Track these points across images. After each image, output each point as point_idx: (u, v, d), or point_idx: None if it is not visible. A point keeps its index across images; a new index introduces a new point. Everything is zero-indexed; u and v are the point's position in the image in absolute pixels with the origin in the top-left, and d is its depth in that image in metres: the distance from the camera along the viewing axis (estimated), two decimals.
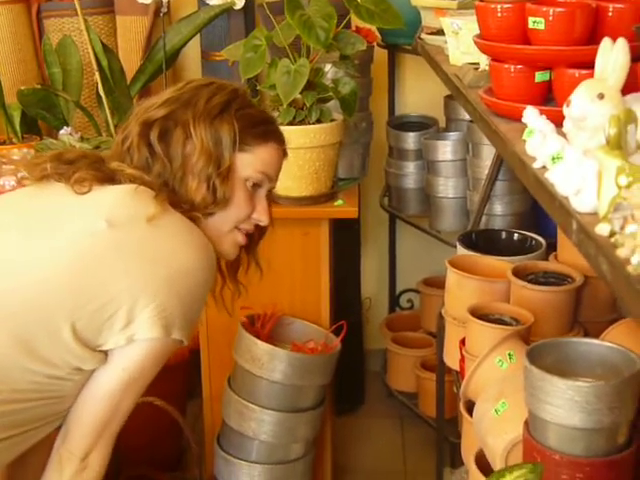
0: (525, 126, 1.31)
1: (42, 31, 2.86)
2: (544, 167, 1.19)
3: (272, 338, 2.45)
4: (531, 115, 1.28)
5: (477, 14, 1.52)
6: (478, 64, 1.82)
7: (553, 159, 1.14)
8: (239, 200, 1.55)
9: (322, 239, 2.47)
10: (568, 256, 2.17)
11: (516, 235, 2.37)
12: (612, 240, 0.91)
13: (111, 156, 1.56)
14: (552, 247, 2.29)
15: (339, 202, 2.47)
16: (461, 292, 2.19)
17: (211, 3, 2.72)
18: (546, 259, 2.27)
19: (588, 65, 1.36)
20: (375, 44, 2.75)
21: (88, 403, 1.46)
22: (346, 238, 2.92)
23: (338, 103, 2.39)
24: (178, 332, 1.42)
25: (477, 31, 1.90)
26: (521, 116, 1.37)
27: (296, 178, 2.41)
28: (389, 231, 3.17)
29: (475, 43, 1.54)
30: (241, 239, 1.59)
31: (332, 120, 2.39)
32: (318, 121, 2.37)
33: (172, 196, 1.49)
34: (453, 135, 2.67)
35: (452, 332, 2.23)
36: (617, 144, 0.95)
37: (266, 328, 2.46)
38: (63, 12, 2.76)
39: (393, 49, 2.89)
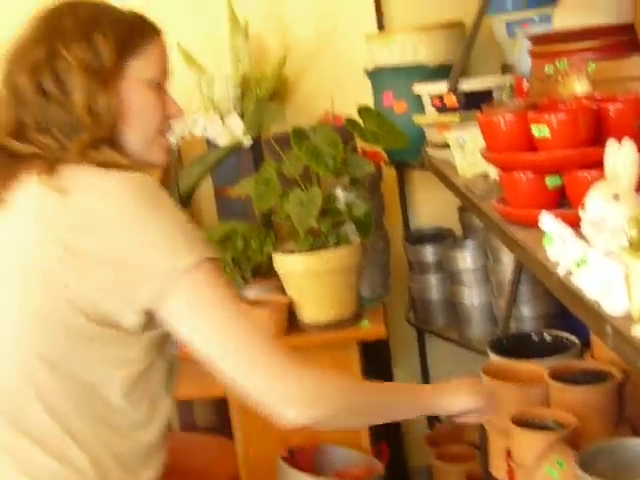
0: (543, 232, 1.32)
1: None
2: (569, 272, 1.19)
3: (314, 469, 2.41)
4: (548, 220, 1.29)
5: (481, 127, 1.55)
6: (487, 174, 1.85)
7: (577, 264, 1.14)
8: (149, 104, 1.47)
9: (353, 362, 2.46)
10: (604, 352, 2.15)
11: (547, 336, 2.36)
12: None
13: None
14: (586, 344, 2.26)
15: (365, 322, 2.47)
16: (499, 400, 2.16)
17: (219, 144, 2.79)
18: (581, 358, 2.24)
19: (598, 165, 1.39)
20: (383, 163, 2.79)
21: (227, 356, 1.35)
22: (376, 357, 2.90)
23: (349, 226, 2.43)
24: (197, 252, 1.34)
25: (482, 142, 1.94)
26: (537, 222, 1.38)
27: (320, 304, 2.42)
28: (418, 345, 3.15)
29: (482, 156, 1.57)
30: (165, 142, 1.53)
31: (350, 243, 2.41)
32: (336, 245, 2.39)
33: (75, 143, 1.39)
34: (471, 243, 2.68)
35: (496, 442, 2.18)
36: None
37: (307, 459, 2.42)
38: None
39: (401, 166, 2.93)
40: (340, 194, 2.49)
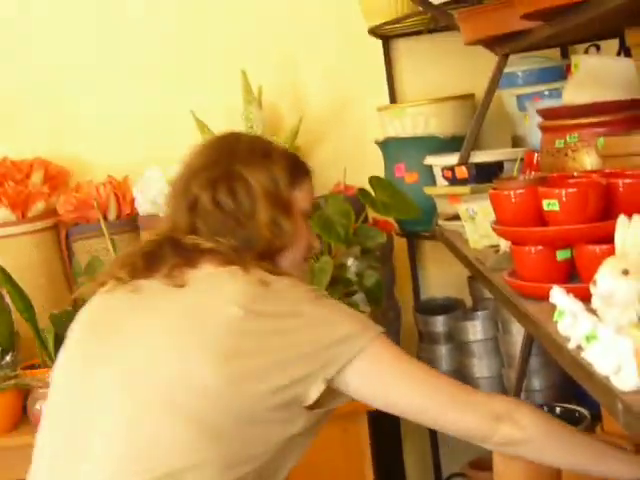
0: (553, 305, 1.33)
1: (71, 253, 2.95)
2: (579, 347, 1.20)
3: None
4: (558, 295, 1.30)
5: (492, 201, 1.56)
6: (498, 246, 1.86)
7: (587, 339, 1.14)
8: (305, 232, 1.64)
9: (362, 433, 2.45)
10: (615, 426, 2.13)
11: (558, 409, 2.34)
12: None
13: (175, 230, 1.57)
14: (596, 417, 2.25)
15: None
16: (509, 477, 2.14)
17: None
18: (592, 430, 2.22)
19: (607, 239, 1.40)
20: (394, 233, 2.81)
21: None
22: (385, 429, 2.87)
23: (359, 296, 2.44)
24: (363, 334, 1.47)
25: (492, 215, 1.96)
26: (547, 295, 1.38)
27: None
28: None
29: (493, 229, 1.58)
30: (306, 267, 1.71)
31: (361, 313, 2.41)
32: None
33: (252, 251, 1.53)
34: (481, 314, 2.68)
35: None
36: None
37: None
38: (90, 234, 2.86)
39: (411, 236, 2.95)
40: (351, 263, 2.51)
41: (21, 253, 2.85)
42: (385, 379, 1.46)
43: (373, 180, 2.41)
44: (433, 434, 3.15)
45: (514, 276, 1.55)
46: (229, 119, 3.04)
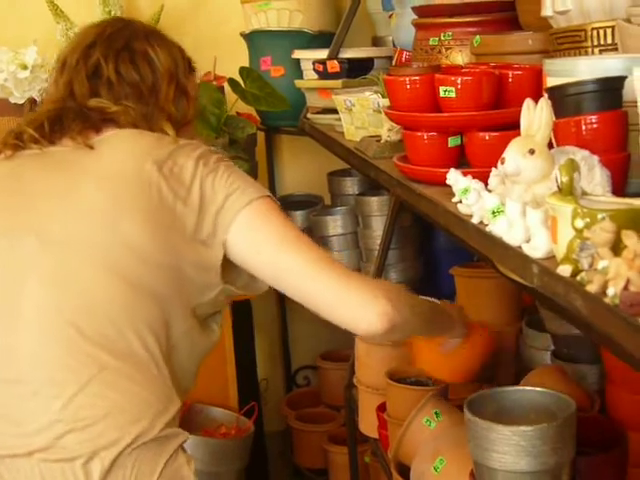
0: (446, 188, 1.39)
1: None
2: (481, 222, 1.27)
3: (184, 427, 2.41)
4: (457, 176, 1.36)
5: (386, 87, 1.60)
6: (378, 136, 1.90)
7: (493, 213, 1.21)
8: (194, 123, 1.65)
9: (225, 321, 2.47)
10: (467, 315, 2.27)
11: None
12: (578, 278, 0.98)
13: (82, 94, 1.50)
14: None
15: None
16: (371, 360, 2.24)
17: None
18: None
19: (497, 128, 1.47)
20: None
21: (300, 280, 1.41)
22: (238, 320, 2.92)
23: None
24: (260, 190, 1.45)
25: (369, 107, 2.00)
26: (439, 179, 1.45)
27: None
28: (279, 309, 3.20)
29: (386, 114, 1.62)
30: None
31: None
32: None
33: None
34: (341, 209, 2.74)
35: (366, 400, 2.26)
36: (569, 190, 1.02)
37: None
38: None
39: (273, 131, 2.96)
40: None
41: None
42: (269, 231, 1.41)
43: (243, 71, 2.39)
44: (284, 328, 3.23)
45: (405, 162, 1.60)
46: (85, 2, 2.92)
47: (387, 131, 1.83)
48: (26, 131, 1.46)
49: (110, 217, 1.37)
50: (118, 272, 1.35)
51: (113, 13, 2.82)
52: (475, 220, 1.27)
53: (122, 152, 1.44)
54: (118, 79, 1.49)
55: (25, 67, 2.64)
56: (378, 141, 1.87)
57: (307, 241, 1.42)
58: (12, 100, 2.71)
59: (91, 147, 1.43)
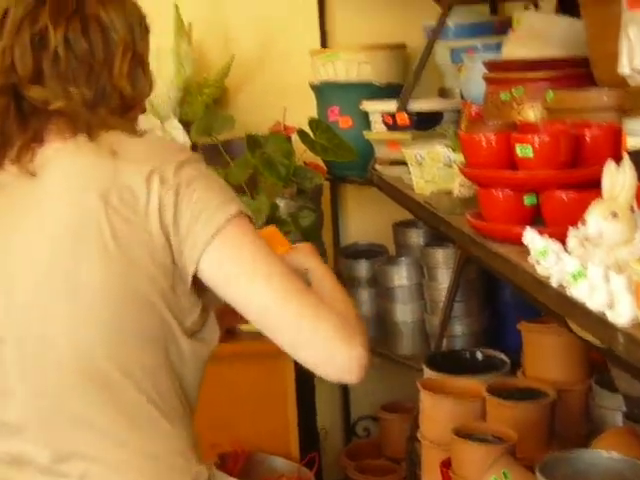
0: (522, 246, 1.38)
1: None
2: (561, 285, 1.25)
3: (245, 476, 2.41)
4: (534, 235, 1.34)
5: (462, 145, 1.60)
6: (449, 191, 1.90)
7: (574, 277, 1.19)
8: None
9: (287, 372, 2.48)
10: (535, 371, 2.24)
11: (479, 354, 2.43)
12: None
13: (15, 73, 1.31)
14: (516, 363, 2.35)
15: None
16: (437, 414, 2.21)
17: None
18: (513, 375, 2.32)
19: (574, 186, 1.46)
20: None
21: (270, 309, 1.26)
22: (301, 368, 2.91)
23: (294, 236, 2.45)
24: (230, 207, 1.28)
25: (440, 161, 2.00)
26: (513, 238, 1.44)
27: None
28: None
29: (461, 172, 1.62)
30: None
31: None
32: None
33: (107, 103, 1.34)
34: (405, 260, 2.73)
35: (429, 455, 2.23)
36: None
37: (238, 466, 2.42)
38: None
39: (339, 180, 2.97)
40: (282, 203, 2.51)
41: None
42: (239, 265, 1.27)
43: (313, 123, 2.41)
44: None
45: (478, 218, 1.60)
46: (157, 53, 2.97)
47: (459, 186, 1.83)
48: None
49: (67, 266, 1.26)
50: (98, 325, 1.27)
51: (185, 64, 2.88)
52: (554, 283, 1.26)
53: (62, 185, 1.28)
54: (66, 52, 1.31)
55: None
56: (449, 196, 1.86)
57: (278, 272, 1.27)
58: None
59: (33, 174, 1.29)
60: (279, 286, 1.26)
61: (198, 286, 1.31)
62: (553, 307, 1.24)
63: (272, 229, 1.59)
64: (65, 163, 1.29)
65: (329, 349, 1.24)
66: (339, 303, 1.34)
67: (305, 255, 1.49)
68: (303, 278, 1.37)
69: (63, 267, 1.26)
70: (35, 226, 1.28)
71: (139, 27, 1.38)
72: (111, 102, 1.34)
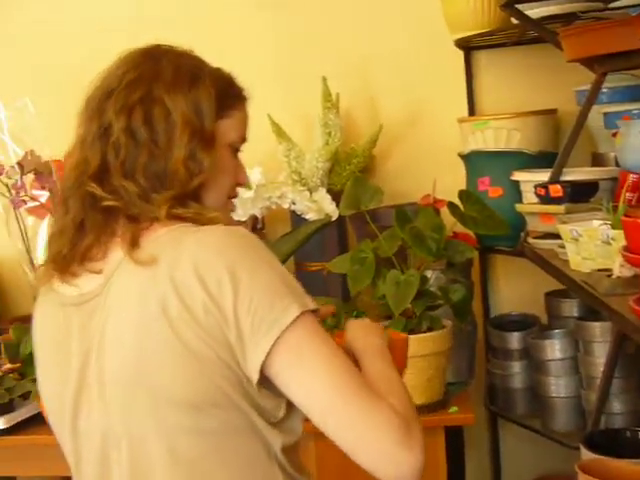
0: None
1: None
2: None
3: None
4: None
5: (626, 229, 1.54)
6: (609, 270, 1.83)
7: None
8: (229, 167, 1.45)
9: (439, 448, 2.42)
10: None
11: None
12: None
13: (85, 165, 1.38)
14: None
15: (454, 409, 2.44)
16: None
17: (307, 217, 2.80)
18: None
19: None
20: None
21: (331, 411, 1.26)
22: (450, 438, 2.85)
23: (443, 309, 2.41)
24: (291, 309, 1.26)
25: (598, 238, 1.93)
26: None
27: (410, 387, 2.38)
28: (491, 432, 3.10)
29: (624, 257, 1.55)
30: (232, 207, 1.52)
31: (442, 327, 2.39)
32: (429, 329, 2.37)
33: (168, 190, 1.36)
34: (560, 333, 2.65)
35: None
36: None
37: None
38: None
39: (488, 251, 2.92)
40: (430, 276, 2.48)
41: None
42: (299, 375, 1.26)
43: (462, 194, 2.38)
44: (495, 451, 3.13)
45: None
46: (305, 124, 3.03)
47: (619, 266, 1.76)
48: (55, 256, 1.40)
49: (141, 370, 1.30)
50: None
51: (333, 134, 2.91)
52: None
53: (123, 296, 1.33)
54: (127, 141, 1.36)
55: (250, 187, 2.74)
56: (609, 276, 1.79)
57: (339, 373, 1.25)
58: (235, 217, 2.82)
59: (99, 272, 1.35)
60: (338, 390, 1.25)
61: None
62: None
63: (404, 338, 1.58)
64: (124, 274, 1.32)
65: (390, 455, 1.22)
66: (397, 396, 1.30)
67: (365, 336, 1.47)
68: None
69: (138, 373, 1.29)
70: (112, 342, 1.32)
71: (213, 104, 1.39)
72: (171, 187, 1.36)
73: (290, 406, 1.33)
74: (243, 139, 1.49)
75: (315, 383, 1.26)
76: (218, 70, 1.47)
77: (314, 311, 1.30)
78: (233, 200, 1.51)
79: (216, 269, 1.25)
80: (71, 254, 1.38)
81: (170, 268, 1.27)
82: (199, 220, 1.35)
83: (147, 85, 1.38)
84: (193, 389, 1.27)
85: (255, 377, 1.27)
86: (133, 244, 1.32)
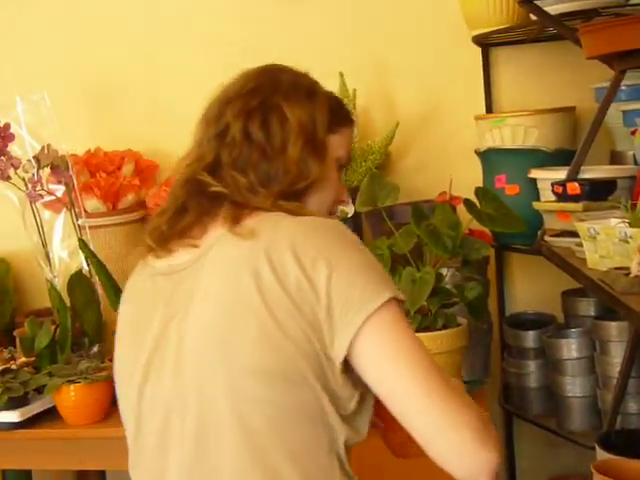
0: None
1: None
2: None
3: None
4: None
5: None
6: (626, 269, 1.81)
7: None
8: (334, 181, 1.54)
9: None
10: None
11: None
12: None
13: (200, 160, 1.47)
14: None
15: None
16: None
17: None
18: None
19: None
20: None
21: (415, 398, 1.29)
22: None
23: (458, 306, 2.40)
24: (382, 294, 1.31)
25: (616, 236, 1.91)
26: None
27: None
28: (505, 431, 3.09)
29: None
30: None
31: (457, 324, 2.38)
32: (444, 326, 2.36)
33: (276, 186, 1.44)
34: (576, 332, 2.63)
35: None
36: None
37: None
38: None
39: (504, 249, 2.91)
40: (446, 273, 2.47)
41: (111, 244, 2.84)
42: (384, 356, 1.31)
43: (479, 191, 2.37)
44: (510, 450, 3.11)
45: None
46: None
47: (637, 265, 1.74)
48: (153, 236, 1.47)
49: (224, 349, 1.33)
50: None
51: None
52: None
53: (218, 268, 1.38)
54: (242, 141, 1.45)
55: (346, 213, 2.77)
56: (627, 274, 1.77)
57: (423, 366, 1.29)
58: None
59: (196, 246, 1.42)
60: (423, 381, 1.28)
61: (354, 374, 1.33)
62: None
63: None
64: (222, 246, 1.38)
65: (468, 449, 1.26)
66: (471, 401, 1.34)
67: None
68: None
69: (220, 337, 1.33)
70: (199, 308, 1.37)
71: (326, 118, 1.49)
72: (279, 183, 1.45)
73: (362, 403, 1.37)
74: (349, 158, 1.60)
75: (400, 366, 1.29)
76: (331, 92, 1.58)
77: (401, 302, 1.35)
78: (332, 216, 1.58)
79: (312, 249, 1.32)
80: (170, 231, 1.46)
81: (267, 243, 1.33)
82: (298, 214, 1.42)
83: (266, 94, 1.48)
84: (271, 360, 1.30)
85: (342, 355, 1.30)
86: (235, 221, 1.39)
